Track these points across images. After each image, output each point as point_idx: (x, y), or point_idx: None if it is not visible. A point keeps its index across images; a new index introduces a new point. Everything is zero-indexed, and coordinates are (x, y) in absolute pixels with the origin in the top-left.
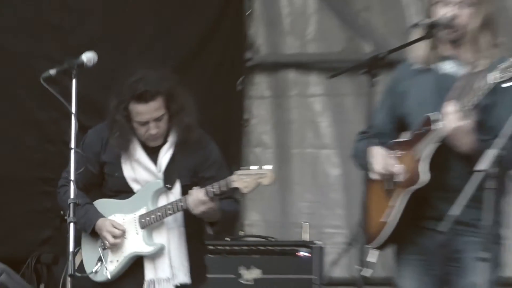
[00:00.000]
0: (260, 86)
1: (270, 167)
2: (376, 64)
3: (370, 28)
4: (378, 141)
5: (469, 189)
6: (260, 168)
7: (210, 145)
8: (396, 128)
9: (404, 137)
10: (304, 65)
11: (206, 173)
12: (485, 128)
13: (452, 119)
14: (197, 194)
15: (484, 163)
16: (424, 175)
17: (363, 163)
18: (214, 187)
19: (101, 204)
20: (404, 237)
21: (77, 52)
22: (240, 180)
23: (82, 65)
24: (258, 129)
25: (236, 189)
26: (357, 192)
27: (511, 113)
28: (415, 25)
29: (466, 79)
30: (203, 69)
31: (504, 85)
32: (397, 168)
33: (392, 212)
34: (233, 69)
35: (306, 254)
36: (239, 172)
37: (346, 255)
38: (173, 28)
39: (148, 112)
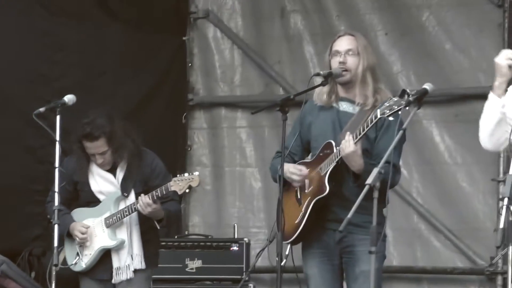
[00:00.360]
0: (200, 120)
1: (197, 173)
2: (287, 103)
3: (282, 76)
4: (290, 159)
5: (360, 198)
6: (190, 174)
7: (155, 161)
8: (303, 150)
9: (311, 158)
10: (232, 104)
11: (153, 182)
12: (372, 154)
13: (347, 145)
14: (145, 199)
15: (370, 179)
16: (328, 187)
17: (275, 177)
18: (157, 192)
19: (78, 212)
20: (311, 235)
21: (60, 95)
22: (176, 184)
23: (64, 104)
24: (198, 152)
25: (175, 192)
26: (275, 200)
27: (390, 144)
28: (317, 74)
29: (358, 115)
30: (157, 107)
31: (390, 118)
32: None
33: (303, 215)
34: (179, 107)
35: (236, 248)
36: (175, 178)
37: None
38: (133, 77)
39: (93, 148)
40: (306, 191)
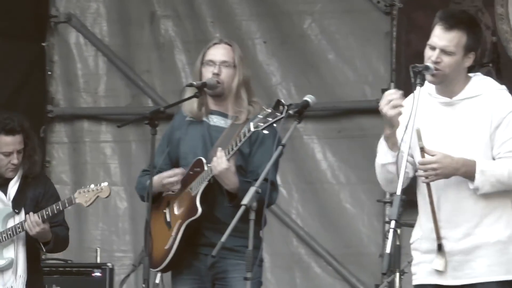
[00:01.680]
0: (60, 133)
1: (106, 183)
2: (157, 116)
3: (151, 87)
4: None
5: (235, 220)
6: (97, 185)
7: (48, 182)
8: (172, 168)
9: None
10: (96, 117)
11: (45, 203)
12: (247, 171)
13: (219, 162)
14: (33, 217)
15: (246, 199)
16: (200, 209)
17: (143, 194)
18: (47, 211)
19: None
20: (182, 261)
21: None
22: (82, 196)
23: None
24: (57, 169)
25: (64, 218)
26: (142, 222)
27: (267, 160)
28: (190, 85)
29: (230, 129)
30: None
31: (264, 132)
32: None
33: (173, 240)
34: (37, 120)
35: (99, 274)
36: (80, 190)
37: (132, 275)
38: None
39: (13, 143)
40: (176, 213)
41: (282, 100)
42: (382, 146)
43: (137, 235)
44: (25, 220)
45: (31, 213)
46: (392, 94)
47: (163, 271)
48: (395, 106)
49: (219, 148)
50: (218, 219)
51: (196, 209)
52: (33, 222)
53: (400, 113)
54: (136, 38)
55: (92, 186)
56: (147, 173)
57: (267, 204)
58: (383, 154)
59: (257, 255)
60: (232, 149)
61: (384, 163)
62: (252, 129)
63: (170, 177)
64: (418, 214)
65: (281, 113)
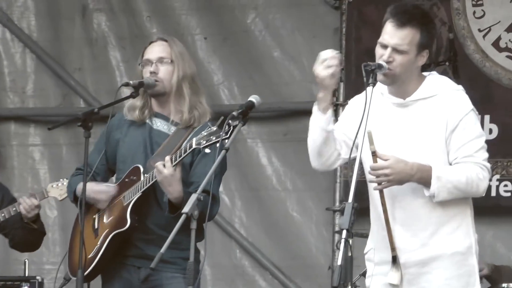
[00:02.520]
0: None
1: None
2: (91, 118)
3: (83, 86)
4: (92, 179)
5: (175, 229)
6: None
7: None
8: (107, 170)
9: (116, 181)
10: (24, 118)
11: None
12: (188, 182)
13: (161, 170)
14: (30, 201)
15: (187, 208)
16: (131, 220)
17: (69, 194)
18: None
19: None
20: (110, 272)
21: None
22: (54, 189)
23: None
24: None
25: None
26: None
27: (207, 171)
28: (126, 84)
29: (173, 136)
30: None
31: (206, 151)
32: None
33: (98, 249)
34: None
35: None
36: (53, 184)
37: None
38: None
39: None
40: (104, 221)
41: (231, 121)
42: (313, 114)
43: (67, 246)
44: (19, 203)
45: (24, 197)
46: (327, 53)
47: (85, 279)
48: (328, 66)
49: (162, 155)
50: (151, 230)
51: (126, 221)
52: (31, 205)
53: (333, 74)
54: (67, 34)
55: (66, 180)
56: (79, 173)
57: (208, 217)
58: (314, 117)
59: (197, 268)
60: (177, 158)
61: (314, 127)
62: (194, 145)
63: (101, 193)
64: (370, 223)
65: (226, 133)
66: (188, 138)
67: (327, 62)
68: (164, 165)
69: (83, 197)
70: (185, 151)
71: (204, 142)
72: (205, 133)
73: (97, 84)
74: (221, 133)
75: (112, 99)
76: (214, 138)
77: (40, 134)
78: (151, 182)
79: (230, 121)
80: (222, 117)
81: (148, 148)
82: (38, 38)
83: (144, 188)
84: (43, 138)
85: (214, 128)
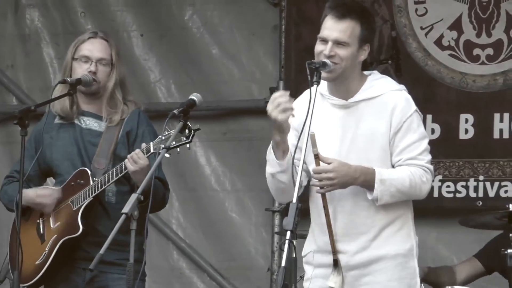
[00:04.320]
0: None
1: None
2: (27, 116)
3: (16, 83)
4: (26, 186)
5: (115, 230)
6: None
7: None
8: (41, 175)
9: (59, 185)
10: None
11: None
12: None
13: (136, 160)
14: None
15: (127, 208)
16: (82, 227)
17: (11, 207)
18: None
19: None
20: (58, 276)
21: None
22: None
23: None
24: None
25: None
26: (5, 232)
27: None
28: (63, 81)
29: (106, 134)
30: None
31: (166, 155)
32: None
33: (46, 256)
34: None
35: None
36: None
37: None
38: None
39: None
40: (51, 226)
41: (189, 124)
42: (270, 154)
43: (1, 248)
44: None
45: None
46: (280, 96)
47: (32, 286)
48: (284, 110)
49: (108, 153)
50: (99, 233)
51: (77, 227)
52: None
53: (289, 117)
54: None
55: None
56: (12, 180)
57: (160, 203)
58: (272, 163)
59: (140, 269)
60: (150, 150)
61: (274, 172)
62: (152, 150)
63: (46, 197)
64: (310, 225)
65: (187, 137)
66: (121, 130)
67: (282, 106)
68: (139, 155)
69: (20, 200)
70: (147, 152)
71: (162, 146)
72: (164, 137)
73: (30, 82)
74: (182, 137)
75: (46, 96)
76: (174, 143)
77: None
78: (115, 178)
79: (190, 125)
80: (184, 122)
81: (82, 149)
82: None
83: (95, 193)
84: None
85: (172, 131)
